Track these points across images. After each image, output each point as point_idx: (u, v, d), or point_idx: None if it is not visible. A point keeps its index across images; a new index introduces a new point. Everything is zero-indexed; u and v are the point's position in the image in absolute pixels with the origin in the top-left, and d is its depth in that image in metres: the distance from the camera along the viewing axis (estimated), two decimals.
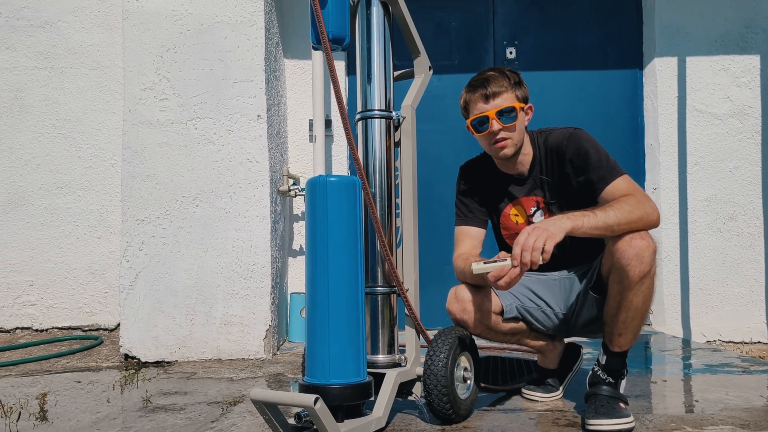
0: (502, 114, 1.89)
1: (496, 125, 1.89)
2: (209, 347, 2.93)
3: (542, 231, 1.59)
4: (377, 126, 1.93)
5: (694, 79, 3.50)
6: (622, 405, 1.75)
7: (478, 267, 1.67)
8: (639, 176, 3.60)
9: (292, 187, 3.28)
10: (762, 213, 3.45)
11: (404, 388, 1.87)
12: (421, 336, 1.92)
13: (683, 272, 3.49)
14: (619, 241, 1.69)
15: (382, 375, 1.79)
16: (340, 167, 3.51)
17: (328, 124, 3.51)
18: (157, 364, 2.91)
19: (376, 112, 1.93)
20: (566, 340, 2.18)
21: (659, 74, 3.51)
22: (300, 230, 3.56)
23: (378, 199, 1.90)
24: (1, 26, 3.62)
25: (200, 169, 3.01)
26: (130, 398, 2.27)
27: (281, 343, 3.23)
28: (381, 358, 1.87)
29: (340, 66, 3.55)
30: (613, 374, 1.80)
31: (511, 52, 3.61)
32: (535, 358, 2.68)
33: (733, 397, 2.07)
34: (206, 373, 2.65)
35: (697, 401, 2.03)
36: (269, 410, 1.61)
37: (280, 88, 3.44)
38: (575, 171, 1.86)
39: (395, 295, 1.91)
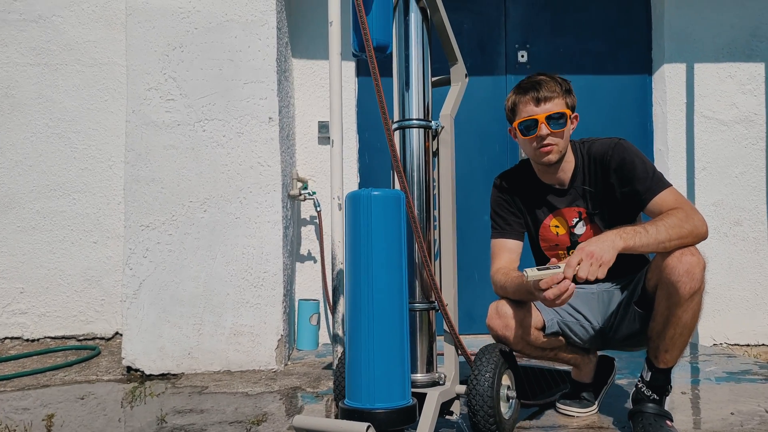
0: (551, 119, 1.85)
1: (544, 129, 1.85)
2: (218, 358, 2.83)
3: (597, 260, 1.54)
4: (416, 135, 1.86)
5: (701, 86, 3.50)
6: (668, 423, 1.73)
7: (533, 273, 1.61)
8: None
9: (302, 191, 3.19)
10: (766, 218, 3.48)
11: (443, 407, 1.81)
12: (459, 352, 1.87)
13: None
14: (669, 257, 1.65)
15: (422, 394, 1.73)
16: (350, 170, 3.44)
17: None
18: (163, 376, 2.80)
19: (415, 121, 1.86)
20: (599, 353, 2.15)
21: (668, 80, 3.51)
22: (308, 235, 3.48)
23: (416, 212, 1.84)
24: None
25: (208, 173, 2.91)
26: (142, 416, 2.17)
27: (290, 351, 3.14)
28: (420, 377, 1.80)
29: (349, 68, 3.46)
30: (658, 391, 1.77)
31: (522, 56, 3.57)
32: (558, 367, 2.66)
33: (767, 409, 2.07)
34: (218, 387, 2.55)
35: (732, 414, 2.02)
36: None
37: (290, 89, 3.34)
38: (620, 181, 1.83)
39: (434, 310, 1.85)
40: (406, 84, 1.88)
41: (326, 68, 3.51)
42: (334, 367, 1.94)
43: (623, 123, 3.60)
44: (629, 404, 2.12)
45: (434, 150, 1.92)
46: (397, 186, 1.82)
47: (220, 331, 2.84)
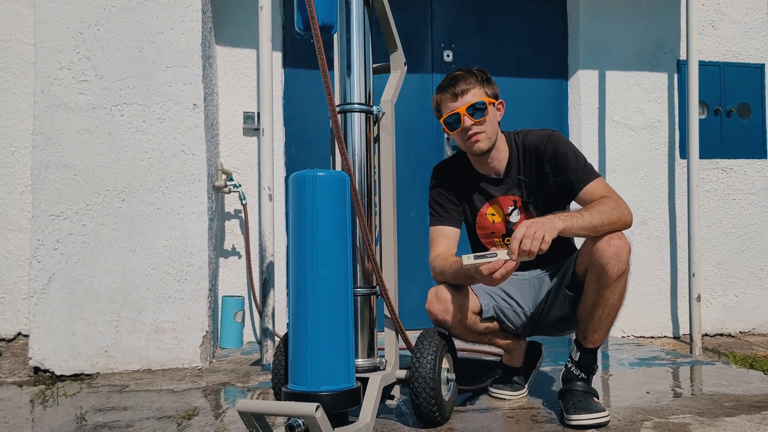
0: (472, 109, 1.90)
1: (467, 121, 1.91)
2: (137, 357, 2.67)
3: (541, 225, 1.60)
4: (357, 120, 1.86)
5: (612, 92, 3.73)
6: (595, 399, 1.82)
7: (469, 262, 1.65)
8: None
9: (228, 183, 3.09)
10: (668, 218, 3.75)
11: (384, 392, 1.81)
12: (400, 338, 1.87)
13: None
14: (599, 240, 1.74)
15: (364, 379, 1.72)
16: (276, 163, 3.36)
17: (259, 117, 3.34)
18: (76, 377, 2.60)
19: (356, 105, 1.85)
20: (528, 339, 2.22)
21: (582, 86, 3.71)
22: (232, 229, 3.36)
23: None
24: None
25: (127, 160, 2.75)
26: (58, 416, 2.01)
27: (214, 349, 3.02)
28: (361, 362, 1.78)
29: (276, 59, 3.40)
30: (585, 370, 1.86)
31: (448, 55, 3.65)
32: (488, 358, 2.73)
33: (674, 388, 2.23)
34: (139, 386, 2.40)
35: (648, 393, 2.15)
36: (258, 422, 1.49)
37: (213, 76, 3.23)
38: (554, 171, 1.91)
39: (375, 296, 1.84)
40: (347, 68, 1.87)
41: (252, 57, 3.44)
42: (273, 357, 1.89)
43: (541, 125, 3.73)
44: (555, 387, 2.23)
45: (375, 135, 1.92)
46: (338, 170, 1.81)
47: (140, 327, 2.68)
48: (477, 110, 1.91)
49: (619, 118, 3.73)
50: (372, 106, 1.89)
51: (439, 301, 1.88)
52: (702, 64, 3.53)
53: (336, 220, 1.61)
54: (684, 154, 3.72)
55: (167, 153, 2.78)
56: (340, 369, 1.58)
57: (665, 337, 3.67)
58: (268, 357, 2.64)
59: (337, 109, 1.86)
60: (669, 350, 3.05)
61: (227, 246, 3.35)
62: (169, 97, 2.80)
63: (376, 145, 1.93)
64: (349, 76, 1.87)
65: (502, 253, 1.64)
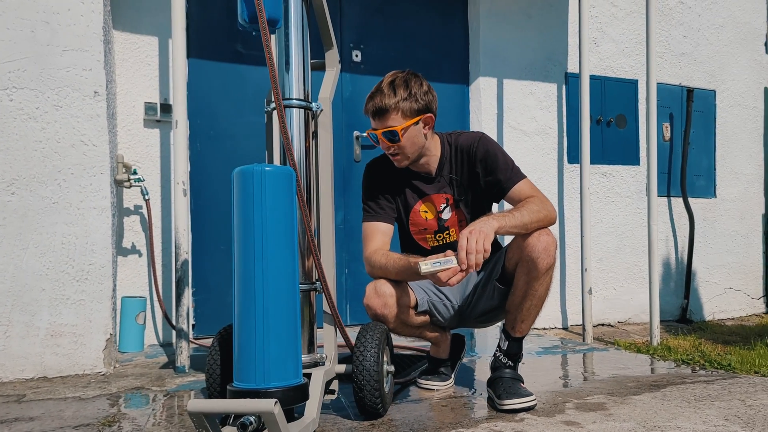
0: (387, 134, 1.95)
1: (383, 144, 1.97)
2: (30, 364, 2.43)
3: (479, 233, 1.69)
4: (296, 116, 1.84)
5: (509, 99, 3.97)
6: (522, 385, 1.94)
7: (427, 269, 1.69)
8: None
9: (131, 177, 2.89)
10: (558, 218, 4.05)
11: (325, 387, 1.81)
12: (339, 333, 1.87)
13: None
14: (529, 237, 1.87)
15: (306, 375, 1.70)
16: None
17: (167, 108, 3.18)
18: None
19: (295, 101, 1.84)
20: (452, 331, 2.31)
21: (483, 92, 3.91)
22: (131, 226, 3.15)
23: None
24: None
25: (17, 150, 2.49)
26: None
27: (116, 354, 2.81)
28: (303, 358, 1.77)
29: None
30: (512, 358, 1.98)
31: (356, 56, 3.68)
32: (405, 352, 2.80)
33: (581, 372, 2.44)
34: (39, 395, 2.19)
35: (560, 377, 2.33)
36: (209, 422, 1.43)
37: (112, 63, 3.01)
38: (484, 171, 2.01)
39: (314, 292, 1.83)
40: (286, 64, 1.85)
41: (153, 44, 3.25)
42: (208, 356, 1.81)
43: (445, 129, 3.90)
44: (476, 376, 2.34)
45: (313, 132, 1.91)
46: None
47: (33, 332, 2.44)
48: (391, 136, 1.95)
49: (516, 124, 3.98)
50: (311, 103, 1.88)
51: (378, 296, 1.91)
52: None
53: (284, 216, 1.59)
54: (572, 159, 4.05)
55: (65, 143, 2.56)
56: (289, 365, 1.57)
57: (556, 328, 3.97)
58: (183, 359, 2.51)
59: (273, 104, 1.83)
60: (566, 339, 3.31)
61: (126, 244, 3.13)
62: (66, 83, 2.58)
63: (314, 142, 1.92)
64: (287, 71, 1.85)
65: (454, 260, 1.70)
